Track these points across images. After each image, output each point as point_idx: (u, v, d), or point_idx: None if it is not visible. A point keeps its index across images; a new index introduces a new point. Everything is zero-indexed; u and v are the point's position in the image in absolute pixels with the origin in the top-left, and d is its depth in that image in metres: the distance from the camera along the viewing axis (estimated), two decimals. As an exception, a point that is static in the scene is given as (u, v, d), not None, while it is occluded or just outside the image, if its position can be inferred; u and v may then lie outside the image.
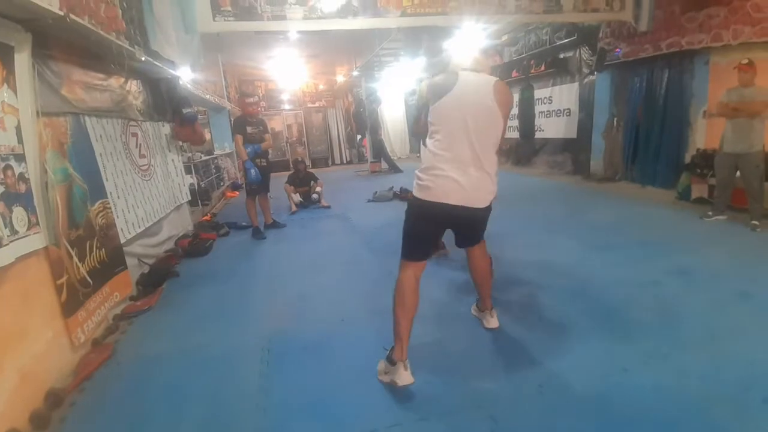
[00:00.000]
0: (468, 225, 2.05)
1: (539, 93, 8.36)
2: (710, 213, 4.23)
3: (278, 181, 6.39)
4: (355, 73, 10.12)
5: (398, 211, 5.75)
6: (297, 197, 6.27)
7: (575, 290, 2.79)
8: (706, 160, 4.84)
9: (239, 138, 4.64)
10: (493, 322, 2.35)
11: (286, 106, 13.10)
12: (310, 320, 2.65)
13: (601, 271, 3.09)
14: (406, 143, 13.96)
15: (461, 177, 1.82)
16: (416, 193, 1.91)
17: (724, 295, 2.57)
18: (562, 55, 7.45)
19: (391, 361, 1.86)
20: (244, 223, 5.24)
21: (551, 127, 8.29)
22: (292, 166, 6.98)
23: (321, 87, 13.28)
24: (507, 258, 3.46)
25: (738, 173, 4.00)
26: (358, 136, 12.33)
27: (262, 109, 8.95)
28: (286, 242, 4.64)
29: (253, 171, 4.54)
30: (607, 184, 6.47)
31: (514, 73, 8.94)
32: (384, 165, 10.54)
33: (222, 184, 8.51)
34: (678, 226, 4.18)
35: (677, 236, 3.82)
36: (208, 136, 8.24)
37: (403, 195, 6.56)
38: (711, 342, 2.08)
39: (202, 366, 2.22)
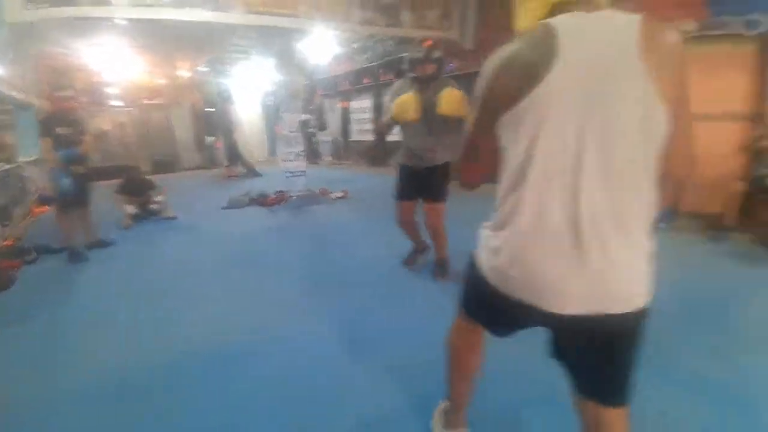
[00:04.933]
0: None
1: (390, 99, 8.97)
2: None
3: (108, 191, 5.44)
4: (203, 69, 9.28)
5: (257, 218, 5.49)
6: (131, 209, 5.40)
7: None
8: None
9: (46, 141, 3.78)
10: None
11: (117, 102, 11.23)
12: (146, 354, 2.29)
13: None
14: (265, 145, 13.40)
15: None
16: None
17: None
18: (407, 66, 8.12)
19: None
20: (58, 245, 4.30)
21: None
22: (123, 172, 5.97)
23: (160, 81, 11.76)
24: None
25: None
26: (209, 138, 11.36)
27: (81, 105, 7.45)
28: (116, 264, 3.92)
29: (64, 180, 3.74)
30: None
31: (366, 80, 9.41)
32: (241, 168, 9.92)
33: (27, 197, 6.82)
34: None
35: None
36: (10, 141, 6.50)
37: (261, 200, 6.28)
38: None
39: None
